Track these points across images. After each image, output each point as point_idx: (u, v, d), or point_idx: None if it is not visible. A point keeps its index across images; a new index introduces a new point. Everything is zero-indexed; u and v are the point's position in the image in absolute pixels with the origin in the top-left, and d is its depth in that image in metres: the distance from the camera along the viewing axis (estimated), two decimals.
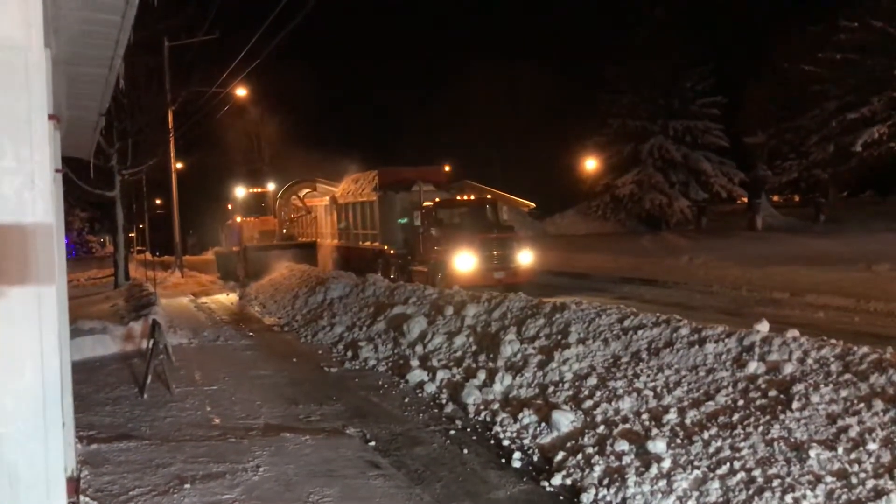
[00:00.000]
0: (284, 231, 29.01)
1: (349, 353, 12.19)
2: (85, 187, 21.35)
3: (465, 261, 18.53)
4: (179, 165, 33.68)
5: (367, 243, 23.80)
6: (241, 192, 30.88)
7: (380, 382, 10.21)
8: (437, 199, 20.91)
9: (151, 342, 10.12)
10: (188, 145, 33.18)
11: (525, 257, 19.27)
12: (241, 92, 34.81)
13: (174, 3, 21.75)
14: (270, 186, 31.58)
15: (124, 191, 24.55)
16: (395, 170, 23.69)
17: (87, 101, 5.51)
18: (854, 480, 5.13)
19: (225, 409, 8.87)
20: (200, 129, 30.37)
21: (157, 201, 50.00)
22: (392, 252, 22.14)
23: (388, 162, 26.09)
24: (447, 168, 26.03)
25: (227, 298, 21.72)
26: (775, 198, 48.71)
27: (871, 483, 5.06)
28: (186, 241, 49.38)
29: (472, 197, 21.92)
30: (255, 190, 31.62)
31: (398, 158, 27.67)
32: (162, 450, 7.27)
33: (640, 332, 8.97)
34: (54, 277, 3.05)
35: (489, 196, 21.91)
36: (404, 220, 22.09)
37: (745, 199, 41.91)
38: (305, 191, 29.45)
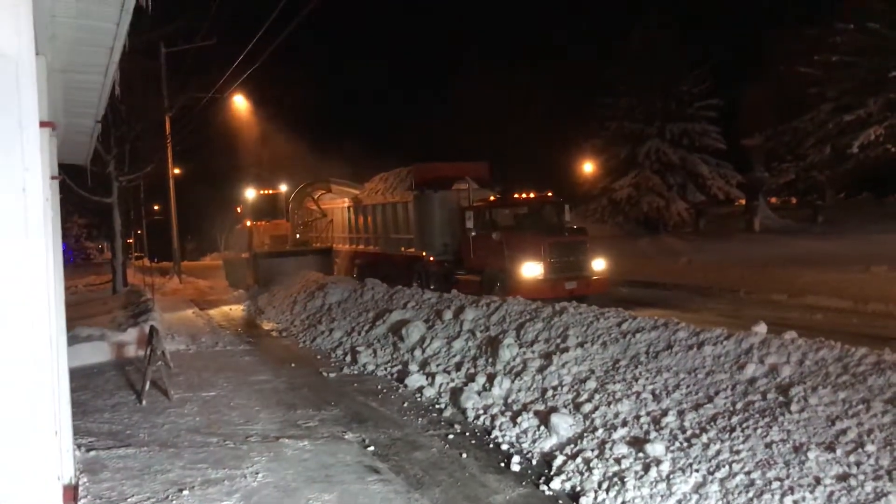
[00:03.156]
0: (298, 236, 27.19)
1: (348, 358, 12.18)
2: (82, 193, 21.35)
3: (531, 269, 16.20)
4: (177, 171, 33.64)
5: (401, 249, 21.45)
6: (250, 194, 28.88)
7: (379, 387, 10.20)
8: (491, 198, 18.70)
9: (149, 348, 10.11)
10: (186, 150, 32.95)
11: (598, 264, 16.94)
12: (239, 97, 34.78)
13: (171, 9, 21.76)
14: (283, 188, 29.50)
15: (122, 197, 24.56)
16: (433, 165, 21.36)
17: (83, 107, 5.51)
18: (853, 482, 5.12)
19: (223, 415, 8.86)
20: (199, 135, 30.09)
21: (156, 207, 50.07)
22: (431, 259, 19.72)
23: (383, 165, 24.85)
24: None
25: (229, 307, 21.66)
26: (773, 200, 48.71)
27: (870, 485, 5.06)
28: (185, 246, 49.36)
29: (532, 194, 19.31)
30: (265, 192, 29.43)
31: (393, 162, 26.50)
32: (160, 456, 7.26)
33: (638, 336, 8.97)
34: (45, 284, 3.05)
35: (548, 193, 19.65)
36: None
37: (743, 202, 41.94)
38: (320, 192, 27.46)
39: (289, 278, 21.02)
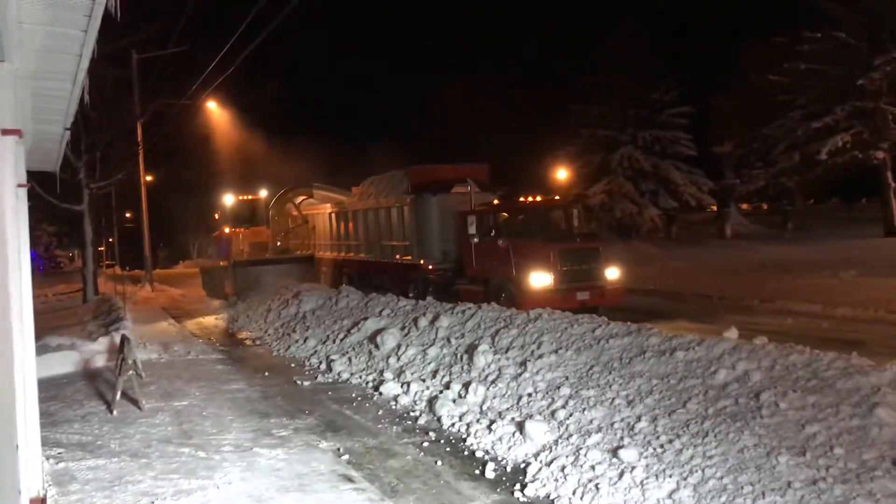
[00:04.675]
0: (279, 243, 25.93)
1: (322, 367, 12.12)
2: (52, 201, 21.06)
3: (540, 278, 15.00)
4: (150, 178, 33.27)
5: (396, 257, 20.14)
6: (229, 199, 27.52)
7: (353, 395, 10.16)
8: (495, 201, 17.56)
9: (120, 358, 9.99)
10: (159, 158, 32.55)
11: (612, 273, 15.79)
12: (212, 103, 34.43)
13: (142, 16, 21.56)
14: (263, 193, 28.23)
15: (93, 204, 24.24)
16: (430, 168, 20.19)
17: (52, 114, 5.44)
18: (823, 486, 5.18)
19: (196, 425, 8.77)
20: (172, 141, 29.70)
21: (127, 214, 49.51)
22: (430, 267, 18.41)
23: (356, 173, 24.38)
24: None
25: (202, 315, 21.44)
26: (744, 206, 49.37)
27: (839, 488, 5.12)
28: (157, 254, 48.87)
29: (539, 198, 18.19)
30: (244, 197, 28.00)
31: (365, 169, 25.84)
32: (131, 467, 7.17)
33: (611, 342, 9.02)
34: (9, 296, 2.99)
35: (556, 196, 18.43)
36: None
37: (714, 208, 42.45)
38: (301, 198, 26.30)
39: (269, 287, 20.13)
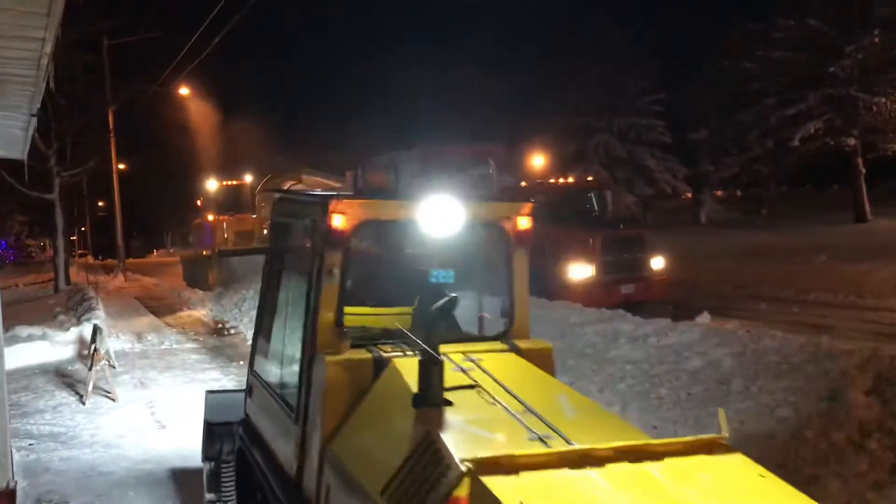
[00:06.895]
0: (266, 232, 23.29)
1: None
2: (22, 190, 20.74)
3: (580, 270, 13.50)
4: (122, 166, 32.87)
5: None
6: (212, 185, 26.46)
7: None
8: (523, 184, 15.95)
9: (93, 348, 9.89)
10: (132, 145, 32.14)
11: (658, 263, 14.30)
12: (186, 89, 33.96)
13: (114, 1, 21.24)
14: (248, 179, 27.22)
15: (64, 193, 23.93)
16: (442, 148, 19.27)
17: (16, 101, 5.34)
18: (790, 467, 5.26)
19: (169, 415, 8.71)
20: (145, 128, 29.34)
21: (100, 203, 48.95)
22: None
23: (335, 159, 23.98)
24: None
25: (176, 304, 21.25)
26: (718, 193, 49.75)
27: (807, 470, 5.20)
28: (130, 243, 48.38)
29: (571, 179, 16.23)
30: (229, 183, 26.97)
31: (343, 161, 25.24)
32: (104, 457, 7.12)
33: (586, 328, 9.07)
34: None
35: (589, 178, 16.89)
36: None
37: (689, 195, 42.72)
38: (289, 184, 24.12)
39: (256, 278, 19.33)
